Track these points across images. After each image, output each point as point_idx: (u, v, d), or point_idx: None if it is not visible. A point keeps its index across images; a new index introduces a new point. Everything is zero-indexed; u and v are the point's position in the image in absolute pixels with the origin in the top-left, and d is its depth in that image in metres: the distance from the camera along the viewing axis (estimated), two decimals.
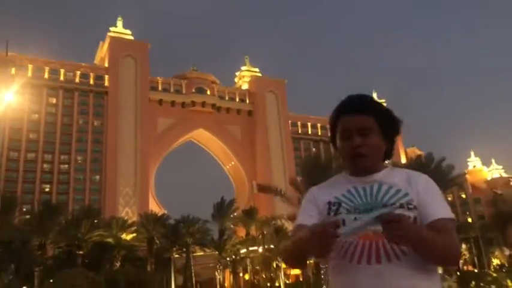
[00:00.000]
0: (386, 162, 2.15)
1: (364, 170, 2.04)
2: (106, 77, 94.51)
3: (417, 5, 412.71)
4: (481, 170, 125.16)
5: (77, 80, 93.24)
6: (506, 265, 70.66)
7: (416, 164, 38.37)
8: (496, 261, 73.21)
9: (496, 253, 74.12)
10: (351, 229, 1.80)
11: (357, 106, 2.01)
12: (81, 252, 47.53)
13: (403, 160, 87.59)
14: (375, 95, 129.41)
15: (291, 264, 2.11)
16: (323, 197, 2.05)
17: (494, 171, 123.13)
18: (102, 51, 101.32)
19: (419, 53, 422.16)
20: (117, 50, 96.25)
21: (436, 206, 1.94)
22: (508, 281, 50.07)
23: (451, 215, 1.94)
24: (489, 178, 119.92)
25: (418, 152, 63.37)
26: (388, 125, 2.04)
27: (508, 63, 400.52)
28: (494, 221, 48.18)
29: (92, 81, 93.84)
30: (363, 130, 1.97)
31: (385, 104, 2.20)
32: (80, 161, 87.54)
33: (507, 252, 76.35)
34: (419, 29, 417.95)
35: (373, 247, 1.84)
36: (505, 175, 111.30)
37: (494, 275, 54.36)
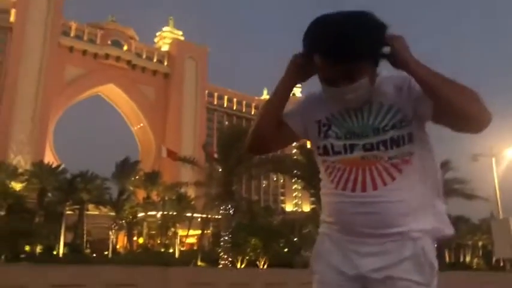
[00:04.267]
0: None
1: None
2: (12, 11, 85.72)
3: None
4: None
5: None
6: None
7: None
8: None
9: None
10: None
11: (341, 52, 1.49)
12: None
13: None
14: None
15: (260, 133, 1.76)
16: (315, 113, 1.78)
17: None
18: None
19: None
20: None
21: None
22: None
23: None
24: None
25: None
26: (379, 54, 1.59)
27: None
28: None
29: None
30: (351, 75, 1.55)
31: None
32: None
33: None
34: None
35: (359, 175, 1.66)
36: None
37: None
